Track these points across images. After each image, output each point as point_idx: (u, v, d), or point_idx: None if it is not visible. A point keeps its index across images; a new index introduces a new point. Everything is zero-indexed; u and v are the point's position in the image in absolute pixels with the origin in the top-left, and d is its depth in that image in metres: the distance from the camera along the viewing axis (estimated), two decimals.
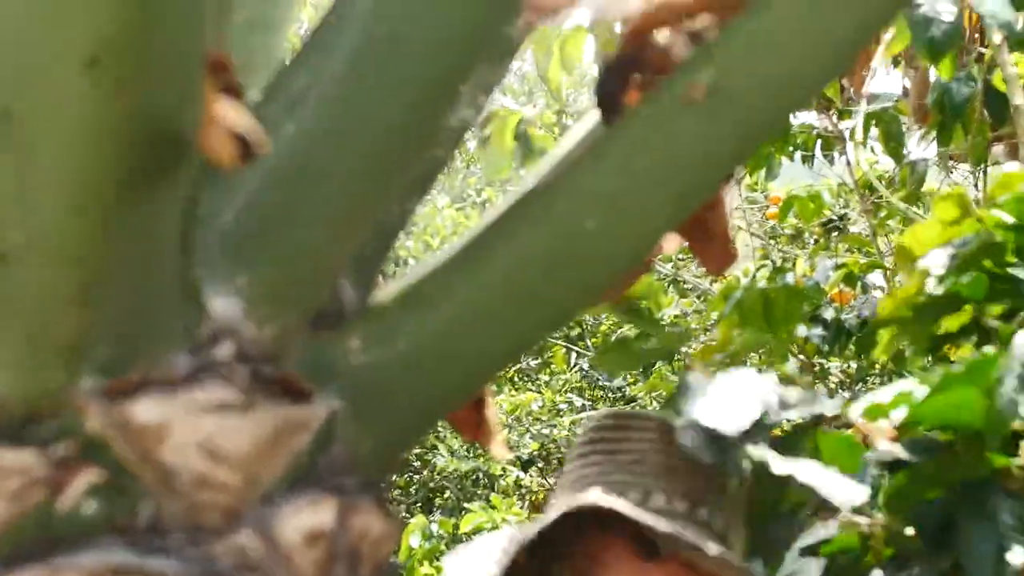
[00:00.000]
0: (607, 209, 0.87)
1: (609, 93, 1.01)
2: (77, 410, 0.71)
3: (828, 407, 1.49)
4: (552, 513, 1.22)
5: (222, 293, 0.81)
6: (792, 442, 1.45)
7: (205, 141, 0.65)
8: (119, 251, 0.69)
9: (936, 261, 1.69)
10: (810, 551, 1.39)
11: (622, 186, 0.87)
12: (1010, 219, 1.67)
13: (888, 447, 1.59)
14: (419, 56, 0.81)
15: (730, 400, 1.39)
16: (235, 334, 0.80)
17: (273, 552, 0.77)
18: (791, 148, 3.84)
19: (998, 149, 3.40)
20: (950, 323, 1.73)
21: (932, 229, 1.78)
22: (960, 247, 1.69)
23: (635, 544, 1.22)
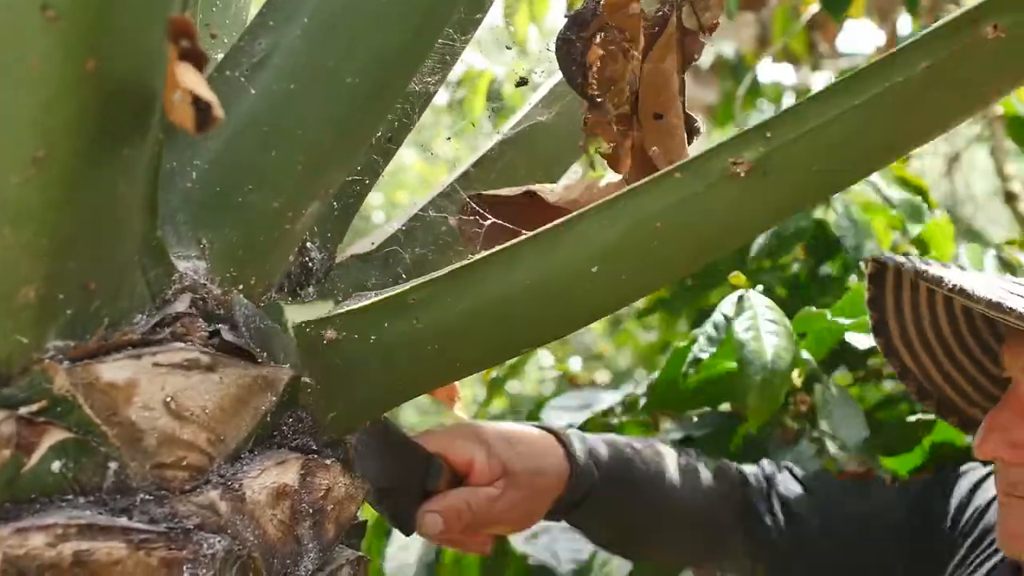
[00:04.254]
0: (615, 258, 0.86)
1: (572, 51, 1.01)
2: (44, 371, 0.71)
3: None
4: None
5: (186, 254, 0.81)
6: None
7: (167, 105, 0.65)
8: (84, 211, 0.69)
9: None
10: None
11: (638, 240, 0.86)
12: None
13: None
14: (379, 21, 0.81)
15: None
16: (199, 294, 0.80)
17: (239, 511, 0.78)
18: (760, 101, 3.83)
19: None
20: None
21: None
22: None
23: None
